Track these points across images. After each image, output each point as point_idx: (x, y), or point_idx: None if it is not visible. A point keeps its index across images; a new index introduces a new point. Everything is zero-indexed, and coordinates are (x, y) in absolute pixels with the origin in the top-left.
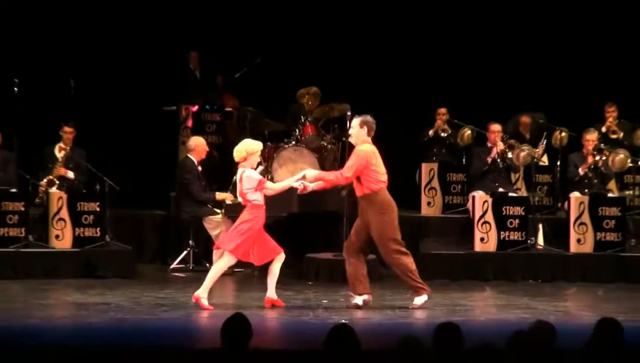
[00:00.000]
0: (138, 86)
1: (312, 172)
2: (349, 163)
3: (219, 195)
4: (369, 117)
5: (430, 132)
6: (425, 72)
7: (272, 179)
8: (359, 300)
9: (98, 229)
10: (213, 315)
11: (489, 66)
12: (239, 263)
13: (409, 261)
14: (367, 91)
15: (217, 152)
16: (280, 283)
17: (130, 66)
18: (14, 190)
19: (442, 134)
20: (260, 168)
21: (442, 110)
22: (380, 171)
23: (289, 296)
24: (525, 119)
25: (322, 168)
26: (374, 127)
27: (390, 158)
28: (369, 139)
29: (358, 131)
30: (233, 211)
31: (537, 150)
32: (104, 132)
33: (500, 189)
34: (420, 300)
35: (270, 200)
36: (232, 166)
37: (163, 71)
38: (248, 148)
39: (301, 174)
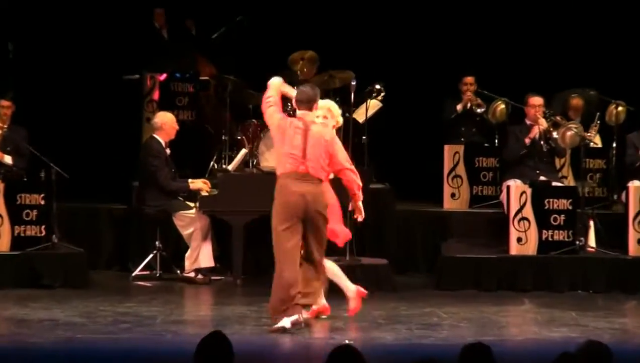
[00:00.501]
0: (92, 50)
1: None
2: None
3: (193, 184)
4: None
5: (459, 106)
6: (446, 32)
7: (257, 164)
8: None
9: (43, 227)
10: (186, 333)
11: (525, 25)
12: (218, 270)
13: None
14: (375, 55)
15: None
16: (269, 295)
17: (82, 25)
18: None
19: (478, 110)
20: (244, 150)
21: (469, 79)
22: (285, 148)
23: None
24: (577, 101)
25: None
26: (299, 97)
27: (407, 139)
28: (299, 112)
29: None
30: (210, 205)
31: (589, 133)
32: (50, 107)
33: (542, 178)
34: (287, 321)
35: (254, 193)
36: (209, 148)
37: (122, 32)
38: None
39: None
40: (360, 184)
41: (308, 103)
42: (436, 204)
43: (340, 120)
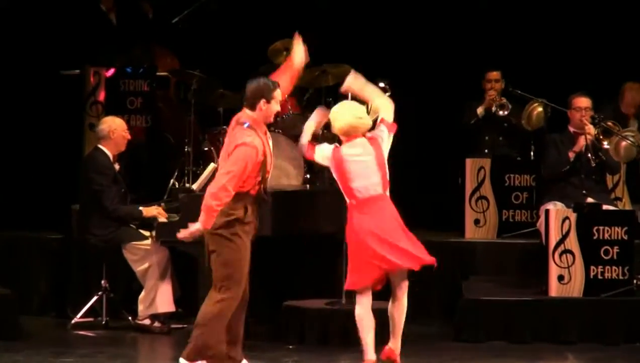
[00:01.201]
0: (21, 39)
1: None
2: None
3: (148, 210)
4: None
5: (480, 109)
6: (467, 17)
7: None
8: None
9: None
10: None
11: (569, 9)
12: (180, 316)
13: None
14: (377, 46)
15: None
16: (244, 347)
17: (8, 7)
18: None
19: (500, 112)
20: (212, 165)
21: (494, 74)
22: None
23: None
24: (633, 86)
25: (309, 164)
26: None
27: (418, 150)
28: None
29: None
30: (170, 234)
31: None
32: None
33: (590, 200)
34: None
35: None
36: (168, 162)
37: (60, 15)
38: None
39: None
40: (203, 214)
41: (247, 100)
42: (456, 233)
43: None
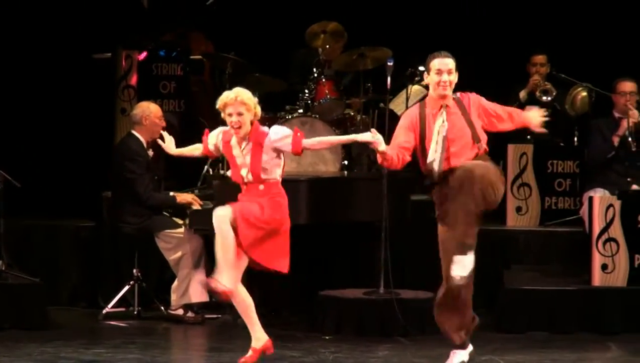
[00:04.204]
0: (50, 22)
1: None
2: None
3: (181, 197)
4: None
5: (522, 93)
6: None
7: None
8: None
9: None
10: None
11: None
12: (213, 306)
13: None
14: (417, 29)
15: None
16: (279, 337)
17: None
18: None
19: (543, 98)
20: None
21: (539, 58)
22: None
23: (295, 358)
24: None
25: (347, 151)
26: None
27: None
28: None
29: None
30: (204, 222)
31: None
32: None
33: (635, 187)
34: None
35: None
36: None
37: None
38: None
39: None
40: None
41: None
42: (497, 221)
43: (259, 110)
